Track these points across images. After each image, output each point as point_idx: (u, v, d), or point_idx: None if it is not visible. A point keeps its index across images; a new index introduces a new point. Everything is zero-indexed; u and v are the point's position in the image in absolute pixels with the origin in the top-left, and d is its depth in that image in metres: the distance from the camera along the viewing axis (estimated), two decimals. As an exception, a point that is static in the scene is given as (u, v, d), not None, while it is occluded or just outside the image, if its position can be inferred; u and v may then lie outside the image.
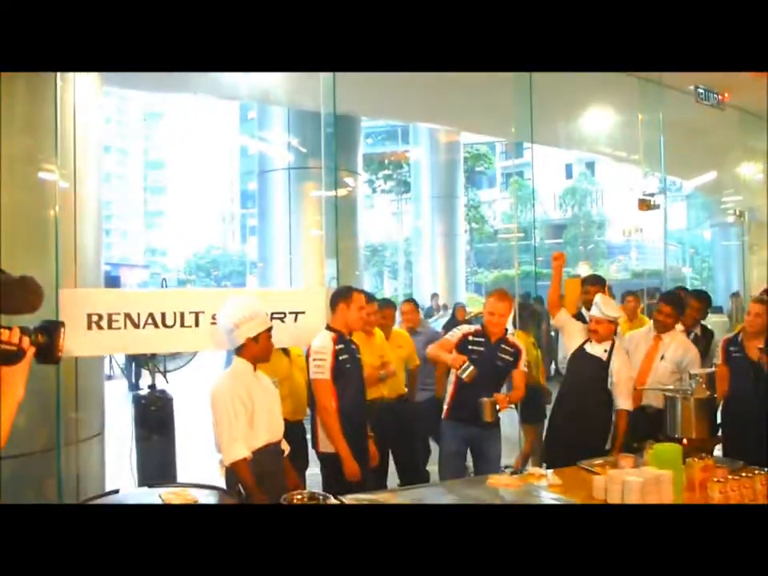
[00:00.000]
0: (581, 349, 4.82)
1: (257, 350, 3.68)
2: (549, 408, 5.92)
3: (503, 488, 3.61)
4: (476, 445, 4.64)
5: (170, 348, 4.90)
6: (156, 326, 4.42)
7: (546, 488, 3.59)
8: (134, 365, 11.83)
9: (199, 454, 5.20)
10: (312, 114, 8.48)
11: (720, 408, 4.79)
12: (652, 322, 5.21)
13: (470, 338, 4.62)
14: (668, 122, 8.80)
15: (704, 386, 4.20)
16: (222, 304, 3.85)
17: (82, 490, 4.79)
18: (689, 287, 11.97)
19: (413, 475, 5.21)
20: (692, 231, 33.61)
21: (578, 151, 20.74)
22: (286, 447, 3.89)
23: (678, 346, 4.94)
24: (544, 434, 5.39)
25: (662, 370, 4.90)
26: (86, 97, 5.21)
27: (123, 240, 60.13)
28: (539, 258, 14.79)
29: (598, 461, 3.98)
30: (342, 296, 4.37)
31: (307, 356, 4.31)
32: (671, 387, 4.48)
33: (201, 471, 4.47)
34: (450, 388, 4.69)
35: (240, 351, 3.70)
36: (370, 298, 5.08)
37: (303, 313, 4.79)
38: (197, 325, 4.52)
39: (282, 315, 4.70)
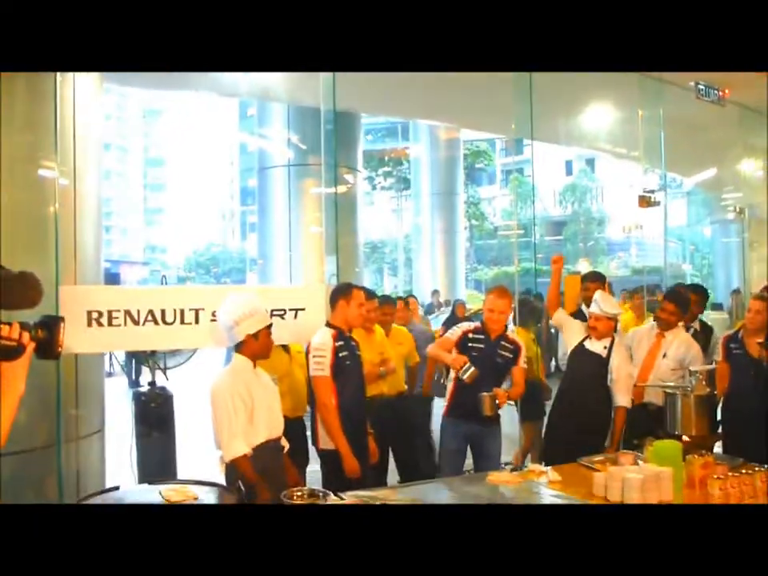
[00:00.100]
0: (580, 346, 4.83)
1: (257, 346, 3.68)
2: (548, 404, 5.93)
3: (503, 485, 3.62)
4: (476, 442, 4.65)
5: (170, 345, 4.91)
6: (156, 323, 4.43)
7: (546, 485, 3.59)
8: (133, 362, 11.84)
9: (199, 450, 5.19)
10: (312, 110, 8.48)
11: (720, 405, 4.79)
12: (652, 318, 5.22)
13: (470, 335, 4.63)
14: (668, 119, 8.78)
15: (704, 382, 4.21)
16: (221, 301, 3.86)
17: (82, 486, 4.80)
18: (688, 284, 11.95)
19: (413, 472, 5.21)
20: (692, 228, 33.61)
21: (578, 148, 20.72)
22: (285, 444, 3.89)
23: (680, 343, 4.95)
24: (543, 430, 5.39)
25: (664, 368, 4.90)
26: (85, 94, 5.21)
27: (123, 237, 60.09)
28: (539, 254, 14.81)
29: (598, 458, 3.99)
30: (341, 293, 4.37)
31: (307, 353, 4.31)
32: (671, 384, 4.48)
33: (201, 468, 4.48)
34: (449, 386, 4.70)
35: (240, 348, 3.70)
36: (369, 294, 5.08)
37: (303, 310, 4.79)
38: (197, 322, 4.52)
39: (282, 312, 4.71)
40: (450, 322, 9.43)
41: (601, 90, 9.63)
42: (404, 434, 5.36)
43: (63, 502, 4.36)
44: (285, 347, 4.86)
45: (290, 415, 4.31)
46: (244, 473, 3.47)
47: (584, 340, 4.82)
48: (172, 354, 5.44)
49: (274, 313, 4.54)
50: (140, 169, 64.99)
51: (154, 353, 5.22)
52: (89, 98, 5.33)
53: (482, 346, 4.58)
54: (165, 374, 5.42)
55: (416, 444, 5.54)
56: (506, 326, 4.76)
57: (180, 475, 4.60)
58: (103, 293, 4.71)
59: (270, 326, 3.76)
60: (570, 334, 4.96)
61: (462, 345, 4.60)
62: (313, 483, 4.10)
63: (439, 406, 6.62)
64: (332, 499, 3.12)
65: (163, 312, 4.44)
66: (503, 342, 4.63)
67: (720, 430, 4.67)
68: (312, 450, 4.45)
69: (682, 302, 5.09)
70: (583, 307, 5.62)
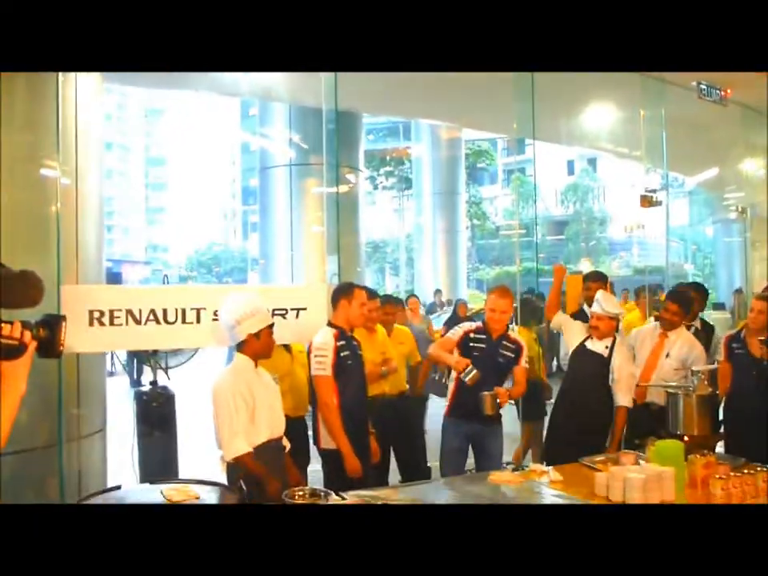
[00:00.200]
0: (582, 346, 4.82)
1: (258, 346, 3.68)
2: (549, 404, 5.93)
3: (505, 485, 3.61)
4: (478, 441, 4.65)
5: (172, 344, 4.91)
6: (157, 322, 4.43)
7: (548, 485, 3.59)
8: (135, 361, 11.81)
9: (201, 450, 5.20)
10: (313, 110, 8.46)
11: (722, 405, 4.79)
12: (652, 318, 5.22)
13: (472, 335, 4.63)
14: (670, 118, 8.77)
15: (706, 382, 4.20)
16: (223, 300, 3.86)
17: (84, 486, 4.80)
18: (689, 284, 11.93)
19: (414, 472, 5.22)
20: (694, 228, 33.60)
21: (579, 147, 20.68)
22: (287, 444, 3.89)
23: (683, 343, 4.95)
24: (545, 430, 5.39)
25: (667, 368, 4.90)
26: (87, 94, 5.21)
27: (125, 236, 60.16)
28: (541, 254, 14.77)
29: (600, 457, 3.99)
30: (343, 292, 4.37)
31: (309, 352, 4.31)
32: (673, 384, 4.47)
33: (202, 467, 4.49)
34: (451, 386, 4.69)
35: (241, 347, 3.70)
36: (371, 294, 5.08)
37: (305, 309, 4.79)
38: (198, 321, 4.52)
39: (284, 311, 4.71)
40: (451, 322, 9.43)
41: (602, 89, 9.61)
42: (405, 434, 5.36)
43: (64, 501, 4.36)
44: (286, 347, 4.87)
45: (291, 415, 4.31)
46: (249, 469, 3.47)
47: (585, 340, 4.82)
48: (173, 353, 5.46)
49: (276, 312, 4.54)
50: (142, 168, 65.06)
51: (155, 352, 5.23)
52: (90, 98, 5.34)
53: (483, 345, 4.57)
54: (166, 373, 5.43)
55: (417, 444, 5.54)
56: (508, 326, 4.76)
57: (181, 475, 4.60)
58: (105, 292, 4.72)
59: (272, 325, 3.76)
60: (571, 335, 4.97)
61: (464, 345, 4.60)
62: (314, 483, 4.10)
63: (435, 405, 6.66)
64: (333, 499, 3.12)
65: (165, 311, 4.44)
66: (505, 342, 4.63)
67: (722, 430, 4.66)
68: (313, 449, 4.45)
69: (685, 302, 5.09)
70: (585, 307, 5.63)
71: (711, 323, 6.05)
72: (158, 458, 4.91)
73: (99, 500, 3.03)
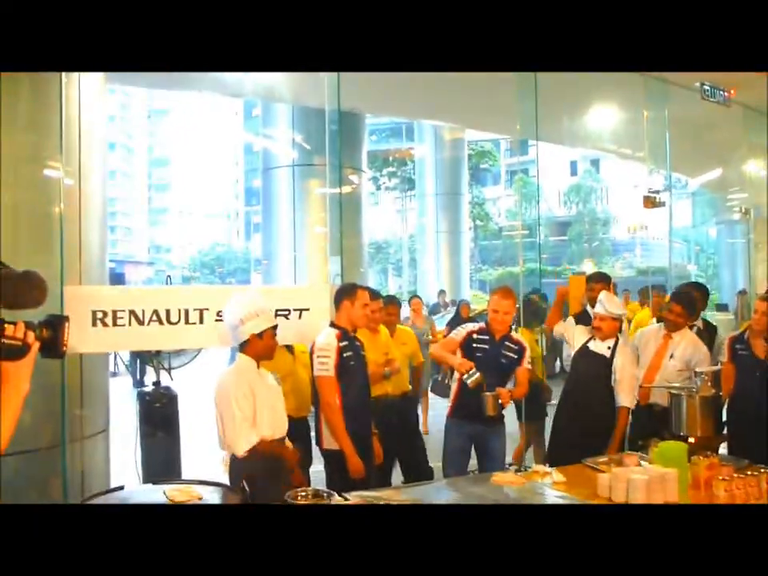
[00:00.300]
0: (585, 347, 4.82)
1: (261, 346, 3.69)
2: (549, 405, 5.92)
3: (507, 486, 3.61)
4: (480, 442, 4.64)
5: (175, 345, 4.91)
6: (161, 322, 4.44)
7: (551, 485, 3.58)
8: (138, 362, 11.87)
9: (204, 450, 5.20)
10: (316, 111, 8.47)
11: (725, 406, 4.78)
12: (655, 319, 5.21)
13: (475, 335, 4.62)
14: (673, 119, 8.77)
15: (709, 383, 4.19)
16: (226, 301, 3.86)
17: (87, 486, 4.80)
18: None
19: (417, 472, 5.21)
20: (697, 228, 33.56)
21: (582, 148, 20.70)
22: (289, 444, 3.89)
23: (687, 344, 4.94)
24: (549, 431, 5.38)
25: (671, 369, 4.90)
26: (90, 94, 5.21)
27: (128, 237, 60.26)
28: (544, 255, 14.77)
29: (603, 458, 3.98)
30: (346, 293, 4.37)
31: (311, 353, 4.31)
32: (677, 385, 4.47)
33: (205, 468, 4.49)
34: (453, 386, 4.69)
35: (244, 348, 3.71)
36: (374, 295, 5.07)
37: (307, 310, 4.80)
38: (201, 322, 4.53)
39: (287, 312, 4.71)
40: (454, 323, 9.42)
41: (606, 90, 9.61)
42: (408, 435, 5.35)
43: (68, 502, 4.36)
44: (288, 347, 4.86)
45: (293, 415, 4.31)
46: (268, 451, 3.56)
47: (588, 341, 4.81)
48: (176, 353, 5.45)
49: (279, 313, 4.54)
50: (145, 169, 65.20)
51: (158, 353, 5.23)
52: (93, 98, 5.34)
53: (486, 346, 4.57)
54: (169, 373, 5.43)
55: (418, 444, 5.53)
56: (511, 327, 4.75)
57: (184, 475, 4.61)
58: (108, 292, 4.72)
59: (276, 326, 3.76)
60: (573, 338, 4.95)
61: (467, 345, 4.59)
62: (317, 483, 4.10)
63: (438, 406, 6.65)
64: (336, 499, 3.12)
65: (168, 312, 4.44)
66: (507, 343, 4.62)
67: (725, 431, 4.65)
68: (316, 450, 4.45)
69: (689, 303, 5.09)
70: (588, 308, 5.62)
71: (714, 324, 6.04)
72: (161, 459, 4.91)
73: (102, 500, 3.03)
